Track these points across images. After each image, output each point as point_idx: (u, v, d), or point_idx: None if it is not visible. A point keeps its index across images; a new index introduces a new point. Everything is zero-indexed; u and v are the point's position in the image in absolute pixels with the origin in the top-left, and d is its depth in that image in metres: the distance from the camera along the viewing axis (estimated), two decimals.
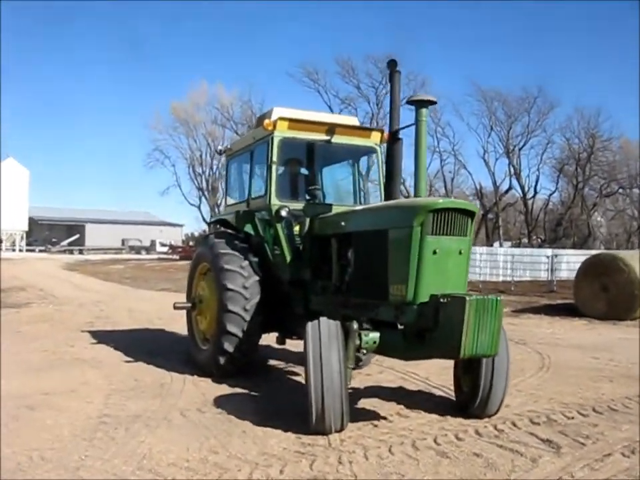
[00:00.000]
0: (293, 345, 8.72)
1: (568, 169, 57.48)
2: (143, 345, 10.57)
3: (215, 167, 62.92)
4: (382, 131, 8.36)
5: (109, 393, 7.09)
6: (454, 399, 6.91)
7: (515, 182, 57.42)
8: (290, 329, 8.06)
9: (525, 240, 60.64)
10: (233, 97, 60.43)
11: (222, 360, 7.70)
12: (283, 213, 7.46)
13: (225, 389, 7.42)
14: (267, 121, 7.71)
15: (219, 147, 9.82)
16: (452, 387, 7.67)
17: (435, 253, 5.74)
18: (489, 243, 53.20)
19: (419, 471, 4.78)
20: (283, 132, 7.75)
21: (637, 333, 13.50)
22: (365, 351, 6.00)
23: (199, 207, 64.63)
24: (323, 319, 5.90)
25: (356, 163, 8.70)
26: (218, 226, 9.20)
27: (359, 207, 7.41)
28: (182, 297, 9.79)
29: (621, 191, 58.52)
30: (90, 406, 6.47)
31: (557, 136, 56.45)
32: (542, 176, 60.06)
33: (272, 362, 9.21)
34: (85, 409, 6.36)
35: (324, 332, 5.69)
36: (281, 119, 7.73)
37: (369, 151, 8.43)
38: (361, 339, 5.95)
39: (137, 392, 7.18)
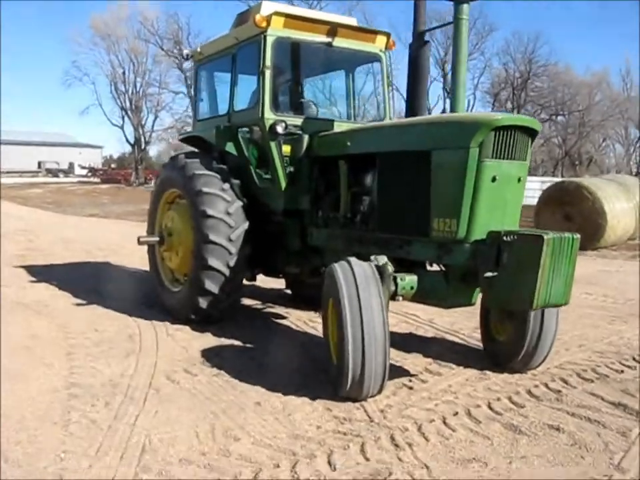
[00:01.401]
0: (262, 281, 7.72)
1: (503, 94, 57.46)
2: (90, 283, 9.09)
3: (138, 85, 58.77)
4: (388, 35, 7.02)
5: (69, 350, 5.72)
6: (478, 347, 6.05)
7: (447, 105, 56.85)
8: (277, 266, 6.86)
9: None
10: (157, 10, 55.83)
11: (202, 302, 6.44)
12: (279, 129, 6.08)
13: (209, 341, 6.21)
14: (258, 17, 6.15)
15: (185, 51, 8.08)
16: (462, 331, 6.89)
17: (494, 180, 4.63)
18: None
19: (500, 455, 3.82)
20: (277, 30, 6.25)
21: (613, 264, 13.21)
22: (400, 298, 4.90)
23: (122, 127, 60.71)
24: (354, 260, 4.73)
25: (355, 72, 7.32)
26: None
27: (384, 123, 6.05)
28: (113, 224, 8.60)
29: (551, 117, 59.34)
30: (50, 371, 5.10)
31: (495, 59, 55.98)
32: (476, 102, 59.88)
33: (245, 301, 8.04)
34: (45, 375, 5.00)
35: (359, 274, 4.53)
36: (277, 14, 6.22)
37: (373, 59, 7.07)
38: (396, 284, 4.84)
39: (103, 348, 5.84)
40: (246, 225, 6.43)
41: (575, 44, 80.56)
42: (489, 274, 4.61)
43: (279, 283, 8.44)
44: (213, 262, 6.27)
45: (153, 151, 69.47)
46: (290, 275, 7.18)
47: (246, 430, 4.06)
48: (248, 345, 6.10)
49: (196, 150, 7.39)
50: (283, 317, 7.39)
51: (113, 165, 74.10)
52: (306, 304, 7.79)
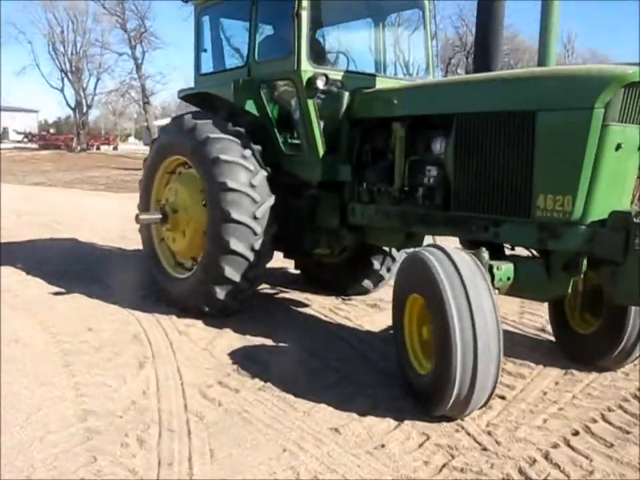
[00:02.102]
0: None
1: (456, 58, 56.88)
2: (62, 266, 7.82)
3: (78, 45, 55.21)
4: None
5: (66, 360, 4.56)
6: (538, 337, 5.38)
7: None
8: (304, 246, 5.85)
9: None
10: None
11: (220, 292, 5.38)
12: (319, 83, 4.99)
13: (233, 339, 5.17)
14: None
15: None
16: (509, 317, 6.09)
17: (617, 148, 3.75)
18: None
19: None
20: None
21: None
22: (497, 291, 4.00)
23: (61, 90, 57.16)
24: (451, 248, 3.80)
25: (394, 20, 6.25)
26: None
27: (465, 77, 4.96)
28: (64, 193, 7.34)
29: None
30: (52, 394, 3.96)
31: (447, 23, 55.16)
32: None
33: None
34: (47, 402, 3.84)
35: (462, 266, 3.59)
36: None
37: (415, 5, 6.02)
38: (492, 275, 3.93)
39: (107, 355, 4.72)
40: (272, 199, 5.36)
41: (521, 12, 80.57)
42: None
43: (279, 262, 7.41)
44: (235, 245, 5.20)
45: (92, 115, 65.73)
46: (313, 256, 6.17)
47: (340, 473, 3.10)
48: (282, 344, 5.10)
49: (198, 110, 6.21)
50: (304, 305, 6.40)
51: (51, 130, 69.95)
52: (323, 288, 6.83)
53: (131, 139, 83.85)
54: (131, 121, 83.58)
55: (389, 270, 6.55)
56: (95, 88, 57.63)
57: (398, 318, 4.15)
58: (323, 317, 5.99)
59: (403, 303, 4.06)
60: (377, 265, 6.44)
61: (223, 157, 5.25)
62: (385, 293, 6.77)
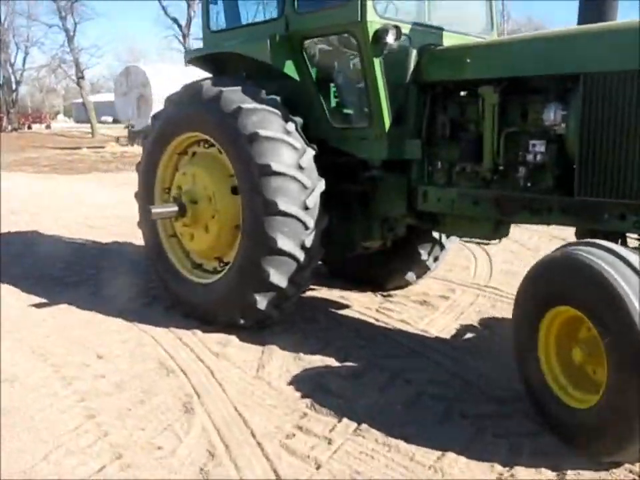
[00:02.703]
0: None
1: None
2: (34, 267, 6.55)
3: (3, 16, 51.10)
4: None
5: (87, 409, 3.42)
6: None
7: None
8: (353, 239, 4.87)
9: None
10: None
11: (261, 301, 4.35)
12: (390, 37, 3.95)
13: (283, 359, 4.16)
14: None
15: None
16: None
17: None
18: None
19: None
20: None
21: None
22: None
23: None
24: (621, 247, 2.92)
25: None
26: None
27: (585, 28, 3.95)
28: (6, 177, 5.89)
29: None
30: (86, 467, 2.85)
31: None
32: None
33: None
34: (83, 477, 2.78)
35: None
36: None
37: None
38: None
39: (135, 394, 3.62)
40: (322, 184, 4.33)
41: None
42: None
43: None
44: (283, 242, 4.16)
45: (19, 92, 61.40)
46: (355, 250, 5.17)
47: None
48: (348, 363, 4.12)
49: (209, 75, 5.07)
50: (344, 305, 5.42)
51: None
52: (351, 282, 5.87)
53: (60, 117, 79.34)
54: (59, 97, 79.05)
55: (436, 259, 5.64)
56: (24, 63, 53.63)
57: (526, 338, 3.25)
58: (374, 321, 5.02)
59: (537, 319, 3.16)
60: (424, 254, 5.51)
61: (262, 132, 4.17)
62: (426, 286, 5.90)
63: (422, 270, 5.68)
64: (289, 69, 4.44)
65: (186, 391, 3.68)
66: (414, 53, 4.22)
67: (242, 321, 4.53)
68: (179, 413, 3.42)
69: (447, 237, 5.50)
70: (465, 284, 6.11)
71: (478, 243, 5.25)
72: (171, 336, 4.62)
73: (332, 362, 4.16)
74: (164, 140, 4.95)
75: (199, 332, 4.65)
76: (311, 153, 4.31)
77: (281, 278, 4.27)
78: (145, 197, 5.20)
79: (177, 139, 4.88)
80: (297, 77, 4.47)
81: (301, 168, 4.22)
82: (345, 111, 4.60)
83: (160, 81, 27.61)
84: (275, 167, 4.11)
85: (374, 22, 3.99)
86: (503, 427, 3.28)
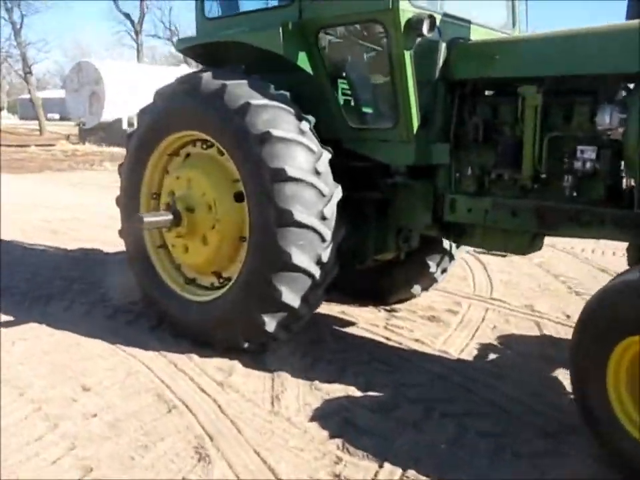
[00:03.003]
0: None
1: None
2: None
3: None
4: None
5: (81, 462, 2.85)
6: None
7: None
8: (366, 252, 4.43)
9: None
10: None
11: (270, 322, 3.87)
12: (424, 28, 3.53)
13: (298, 388, 3.69)
14: None
15: None
16: None
17: None
18: None
19: None
20: None
21: None
22: None
23: None
24: None
25: None
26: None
27: None
28: None
29: None
30: None
31: None
32: None
33: None
34: None
35: None
36: None
37: None
38: None
39: (136, 437, 3.08)
40: (339, 191, 3.87)
41: None
42: None
43: None
44: (298, 257, 3.68)
45: None
46: (365, 263, 4.72)
47: None
48: (371, 393, 3.66)
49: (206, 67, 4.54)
50: (348, 322, 4.97)
51: None
52: (348, 295, 5.42)
53: (4, 113, 76.06)
54: (3, 93, 75.78)
55: (443, 271, 5.26)
56: None
57: (592, 370, 2.88)
58: (385, 341, 4.60)
59: (606, 351, 2.80)
60: (432, 265, 5.11)
61: (275, 132, 3.68)
62: (429, 300, 5.52)
63: (429, 282, 5.29)
64: (302, 60, 3.97)
65: (195, 432, 3.16)
66: (443, 46, 3.82)
67: (245, 344, 4.03)
68: (191, 460, 2.91)
69: (457, 246, 5.14)
70: (469, 296, 5.77)
71: (484, 253, 4.91)
72: (164, 361, 4.08)
73: (353, 391, 3.71)
74: (153, 139, 4.40)
75: (195, 356, 4.12)
76: (327, 156, 3.85)
77: (294, 297, 3.79)
78: (129, 202, 4.63)
79: (168, 138, 4.33)
80: (309, 70, 3.99)
81: (317, 173, 3.75)
82: (364, 109, 4.16)
83: (113, 78, 26.57)
84: (290, 171, 3.63)
85: (406, 10, 3.55)
86: (563, 467, 2.92)
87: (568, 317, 5.20)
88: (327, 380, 3.83)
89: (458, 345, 4.55)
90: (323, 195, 3.75)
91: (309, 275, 3.76)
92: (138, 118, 4.55)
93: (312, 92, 4.07)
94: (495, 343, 4.61)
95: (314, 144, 3.79)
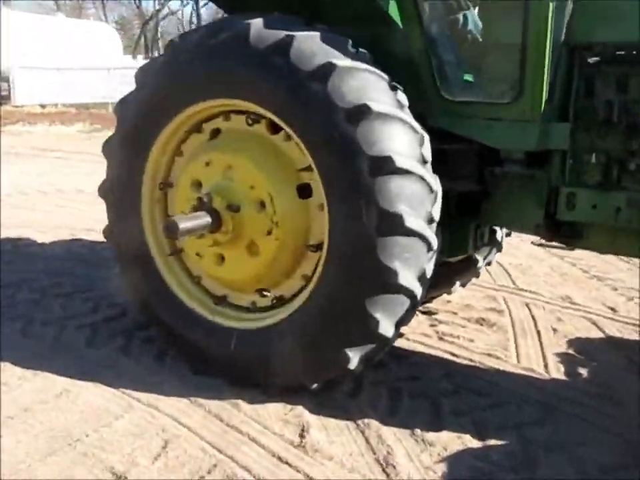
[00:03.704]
0: None
1: None
2: None
3: None
4: None
5: None
6: None
7: None
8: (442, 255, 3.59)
9: None
10: None
11: (354, 355, 2.92)
12: None
13: (413, 449, 2.82)
14: None
15: None
16: None
17: None
18: (147, 55, 47.07)
19: None
20: None
21: None
22: None
23: None
24: None
25: None
26: None
27: None
28: None
29: None
30: None
31: None
32: None
33: None
34: None
35: None
36: None
37: None
38: None
39: None
40: (439, 185, 2.97)
41: None
42: None
43: None
44: (404, 275, 2.75)
45: None
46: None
47: None
48: (492, 442, 2.89)
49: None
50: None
51: None
52: None
53: None
54: None
55: (488, 265, 4.57)
56: None
57: None
58: (450, 356, 3.78)
59: None
60: (480, 259, 4.38)
61: (374, 105, 2.68)
62: (458, 296, 4.81)
63: (471, 277, 4.56)
64: (393, 9, 2.95)
65: None
66: (569, 4, 2.97)
67: (314, 384, 3.07)
68: None
69: (507, 235, 4.45)
70: (494, 287, 5.15)
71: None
72: (201, 413, 3.03)
73: (469, 441, 2.90)
74: (164, 109, 3.19)
75: (242, 404, 3.09)
76: (427, 137, 2.91)
77: (390, 324, 2.88)
78: (122, 195, 3.41)
79: (187, 109, 3.15)
80: (398, 23, 2.99)
81: (424, 162, 2.82)
82: (466, 77, 3.24)
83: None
84: (399, 160, 2.67)
85: None
86: None
87: (613, 310, 4.73)
88: (425, 425, 3.00)
89: (534, 358, 3.87)
90: (431, 191, 2.83)
91: (411, 295, 2.86)
92: (137, 79, 3.31)
93: (392, 51, 3.08)
94: (571, 352, 3.98)
95: (415, 122, 2.84)
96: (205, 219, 2.95)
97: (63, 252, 5.53)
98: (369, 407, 3.14)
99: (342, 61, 2.75)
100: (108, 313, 4.18)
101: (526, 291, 5.09)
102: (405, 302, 2.88)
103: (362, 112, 2.67)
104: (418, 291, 2.88)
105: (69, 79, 22.43)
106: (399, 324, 2.97)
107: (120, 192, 3.43)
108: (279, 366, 3.07)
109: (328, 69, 2.71)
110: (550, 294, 5.04)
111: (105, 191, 3.51)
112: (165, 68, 3.19)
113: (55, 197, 7.90)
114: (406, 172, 2.70)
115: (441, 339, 4.09)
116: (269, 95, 2.87)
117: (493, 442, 2.91)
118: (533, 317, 4.53)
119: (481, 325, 4.37)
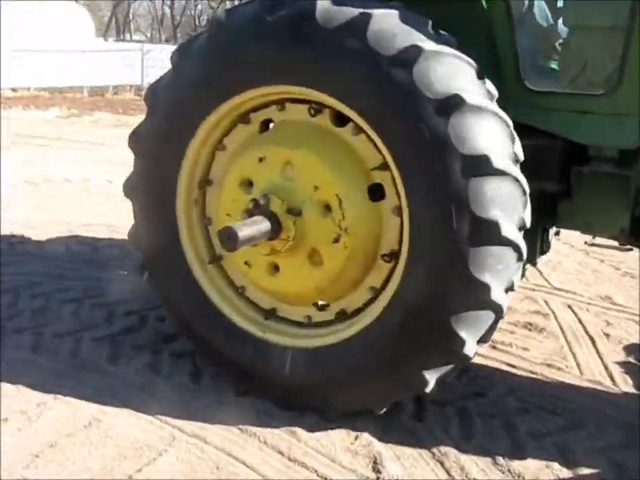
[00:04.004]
0: None
1: None
2: None
3: None
4: None
5: None
6: None
7: None
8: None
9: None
10: None
11: (431, 377, 2.58)
12: None
13: None
14: None
15: None
16: None
17: None
18: (119, 38, 45.70)
19: None
20: None
21: None
22: None
23: None
24: None
25: None
26: None
27: None
28: None
29: None
30: None
31: None
32: None
33: None
34: None
35: None
36: None
37: None
38: None
39: None
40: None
41: None
42: None
43: None
44: (496, 290, 2.43)
45: None
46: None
47: None
48: (594, 474, 2.61)
49: None
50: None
51: None
52: None
53: None
54: None
55: (534, 265, 4.27)
56: None
57: None
58: (511, 369, 3.49)
59: None
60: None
61: (468, 97, 2.33)
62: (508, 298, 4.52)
63: (519, 279, 4.26)
64: None
65: None
66: None
67: (381, 409, 2.73)
68: None
69: (555, 234, 4.17)
70: (529, 287, 4.88)
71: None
72: (255, 444, 2.66)
73: (558, 471, 2.61)
74: (208, 97, 2.79)
75: (301, 432, 2.73)
76: (515, 134, 2.58)
77: (473, 343, 2.56)
78: (156, 195, 3.00)
79: (238, 97, 2.75)
80: (484, 3, 2.63)
81: (516, 161, 2.49)
82: (551, 66, 2.90)
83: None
84: (496, 161, 2.33)
85: None
86: None
87: None
88: (505, 450, 2.71)
89: (595, 368, 3.60)
90: (524, 194, 2.50)
91: (499, 310, 2.53)
92: (174, 60, 2.88)
93: (469, 32, 2.72)
94: (632, 360, 3.74)
95: (505, 116, 2.50)
96: (264, 224, 2.56)
97: (62, 251, 5.06)
98: (440, 431, 2.83)
99: (428, 44, 2.38)
100: (126, 323, 3.78)
101: (563, 290, 4.83)
102: (491, 318, 2.55)
103: (454, 104, 2.31)
104: (505, 305, 2.56)
105: (42, 61, 21.45)
106: (480, 341, 2.65)
107: (151, 191, 3.01)
108: (342, 389, 2.72)
109: (413, 53, 2.35)
110: (588, 294, 4.80)
111: (131, 189, 3.09)
112: (207, 49, 2.77)
113: (45, 188, 7.37)
114: (502, 173, 2.36)
115: (494, 347, 3.78)
116: (339, 82, 2.48)
117: (585, 471, 2.63)
118: (580, 321, 4.26)
119: (529, 330, 4.08)
